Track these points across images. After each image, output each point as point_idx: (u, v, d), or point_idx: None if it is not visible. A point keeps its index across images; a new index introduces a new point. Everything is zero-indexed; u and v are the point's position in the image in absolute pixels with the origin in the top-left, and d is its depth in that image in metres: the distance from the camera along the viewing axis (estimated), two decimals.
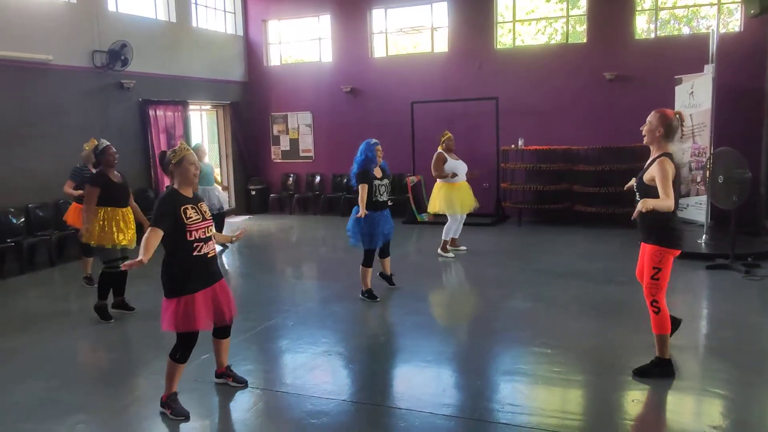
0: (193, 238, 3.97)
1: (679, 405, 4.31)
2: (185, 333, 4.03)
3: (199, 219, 4.03)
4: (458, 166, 8.65)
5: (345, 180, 13.21)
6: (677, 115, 4.37)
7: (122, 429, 4.08)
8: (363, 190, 6.53)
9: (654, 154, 4.36)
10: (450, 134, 8.77)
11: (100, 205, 6.14)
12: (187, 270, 3.98)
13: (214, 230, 4.22)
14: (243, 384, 4.56)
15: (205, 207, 4.19)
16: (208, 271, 4.10)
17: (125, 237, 6.20)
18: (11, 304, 7.32)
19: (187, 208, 4.00)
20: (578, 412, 4.23)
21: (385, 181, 6.70)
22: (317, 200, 13.50)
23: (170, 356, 4.12)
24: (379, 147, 6.61)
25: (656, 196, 4.15)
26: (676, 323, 4.69)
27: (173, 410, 4.11)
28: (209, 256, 4.09)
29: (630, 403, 4.28)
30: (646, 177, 4.31)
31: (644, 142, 4.41)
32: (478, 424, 3.93)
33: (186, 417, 4.09)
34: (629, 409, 4.20)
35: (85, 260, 7.74)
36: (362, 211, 6.47)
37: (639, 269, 4.66)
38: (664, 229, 4.33)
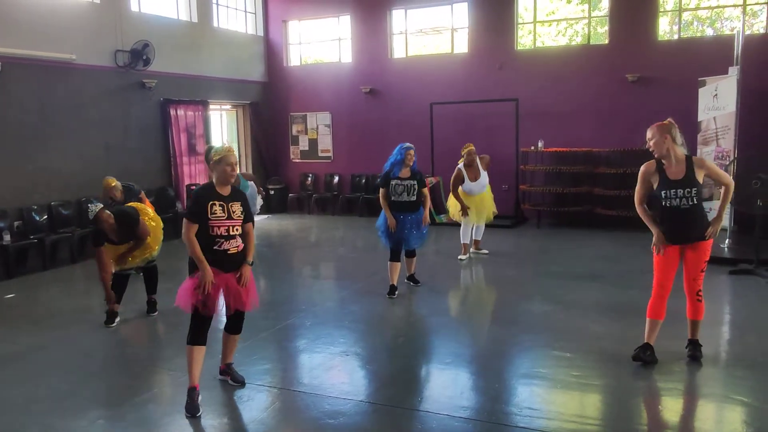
0: (215, 234, 4.11)
1: (700, 412, 4.26)
2: (195, 314, 4.17)
3: (223, 216, 4.14)
4: (473, 189, 8.41)
5: (363, 180, 13.25)
6: (669, 121, 4.58)
7: (142, 424, 4.11)
8: (381, 196, 6.80)
9: (676, 160, 4.50)
10: (472, 147, 8.41)
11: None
12: (206, 258, 4.12)
13: (240, 230, 4.25)
14: (240, 383, 4.57)
15: (237, 207, 4.24)
16: (228, 262, 4.20)
17: (127, 263, 6.11)
18: (34, 299, 7.43)
19: (214, 204, 4.13)
20: (597, 417, 4.19)
21: (408, 182, 6.69)
22: (336, 200, 13.52)
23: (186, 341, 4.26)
24: (411, 152, 6.69)
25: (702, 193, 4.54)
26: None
27: (186, 404, 4.17)
28: (229, 252, 4.18)
29: (650, 409, 4.23)
30: (698, 177, 4.47)
31: (656, 155, 4.56)
32: (496, 428, 3.90)
33: (192, 415, 4.12)
34: (649, 414, 4.15)
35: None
36: (390, 219, 6.66)
37: (670, 273, 4.67)
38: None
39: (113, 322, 6.09)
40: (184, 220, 4.14)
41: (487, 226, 9.15)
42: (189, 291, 4.09)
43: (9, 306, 7.13)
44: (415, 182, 6.72)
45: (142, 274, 6.51)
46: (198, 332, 4.22)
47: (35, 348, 5.59)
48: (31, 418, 4.19)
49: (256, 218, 11.84)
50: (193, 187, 10.70)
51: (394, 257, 6.89)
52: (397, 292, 6.88)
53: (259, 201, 10.17)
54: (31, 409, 4.32)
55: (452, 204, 8.66)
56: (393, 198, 6.69)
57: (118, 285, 6.20)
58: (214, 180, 4.25)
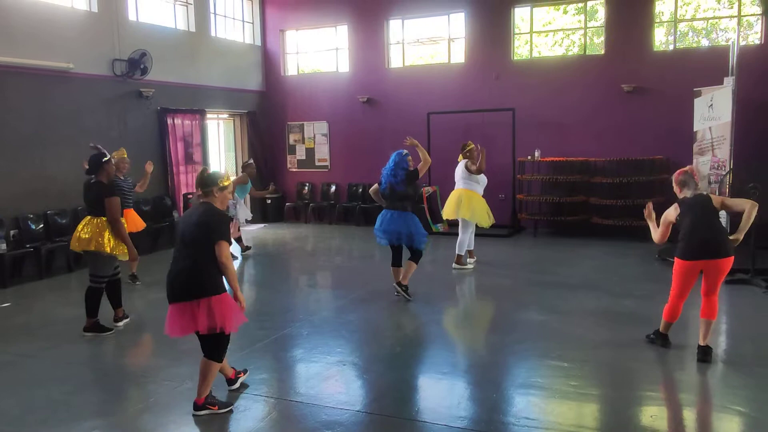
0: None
1: (698, 421, 4.25)
2: (226, 334, 4.25)
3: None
4: (480, 180, 8.68)
5: (360, 189, 13.24)
6: (684, 171, 5.20)
7: None
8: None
9: None
10: (472, 145, 8.60)
11: (101, 216, 5.96)
12: (218, 273, 4.20)
13: None
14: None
15: None
16: None
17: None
18: (29, 308, 7.39)
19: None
20: (594, 426, 4.18)
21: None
22: (332, 209, 13.52)
23: (211, 358, 4.24)
24: (409, 158, 7.12)
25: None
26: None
27: (219, 405, 4.30)
28: None
29: (648, 419, 4.22)
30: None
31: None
32: None
33: (231, 405, 4.36)
34: (647, 424, 4.14)
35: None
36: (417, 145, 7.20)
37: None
38: None
39: (98, 330, 6.07)
40: (224, 243, 4.12)
41: (483, 235, 9.15)
42: (238, 310, 4.22)
43: (4, 315, 7.09)
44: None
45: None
46: (226, 350, 4.36)
47: (29, 357, 5.56)
48: (26, 428, 4.16)
49: (250, 227, 11.88)
50: (190, 196, 10.70)
51: (396, 262, 7.12)
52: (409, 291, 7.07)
53: (247, 214, 10.56)
54: (26, 419, 4.30)
55: (459, 204, 8.63)
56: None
57: (92, 298, 6.09)
58: (217, 204, 4.28)
